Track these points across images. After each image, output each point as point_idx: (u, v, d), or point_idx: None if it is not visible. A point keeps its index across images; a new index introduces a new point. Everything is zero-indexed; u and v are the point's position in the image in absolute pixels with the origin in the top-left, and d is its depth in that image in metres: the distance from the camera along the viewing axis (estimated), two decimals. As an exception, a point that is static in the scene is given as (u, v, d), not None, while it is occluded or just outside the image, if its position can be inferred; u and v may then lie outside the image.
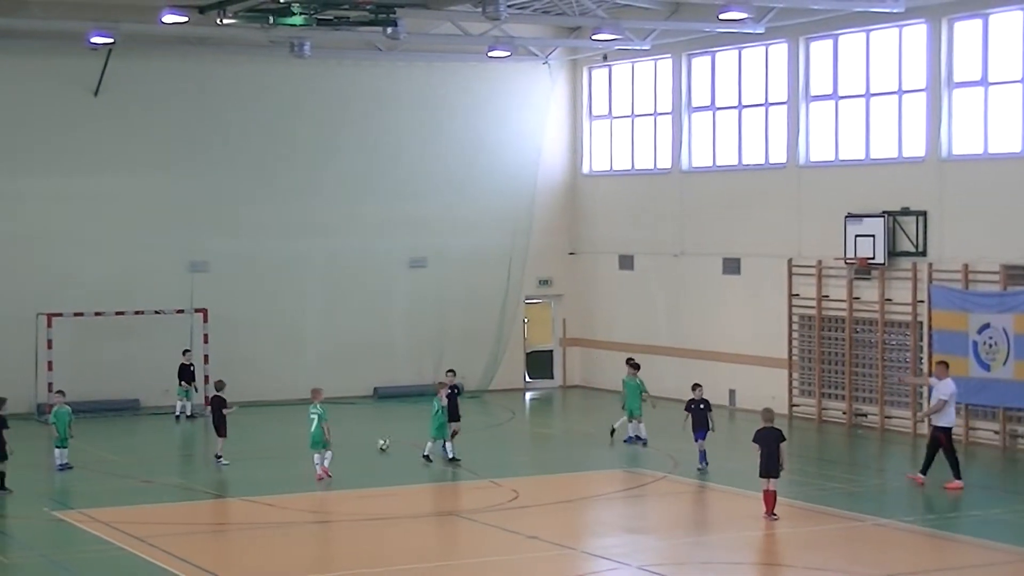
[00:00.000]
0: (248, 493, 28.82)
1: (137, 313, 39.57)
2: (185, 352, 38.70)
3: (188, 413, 38.58)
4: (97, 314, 39.21)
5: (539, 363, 45.38)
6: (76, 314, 38.94)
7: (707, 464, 30.41)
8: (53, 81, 39.89)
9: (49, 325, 38.34)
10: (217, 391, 31.88)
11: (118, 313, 39.41)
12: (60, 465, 31.16)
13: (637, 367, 34.16)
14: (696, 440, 30.67)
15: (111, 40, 36.75)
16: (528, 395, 44.06)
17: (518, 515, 26.62)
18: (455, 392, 32.38)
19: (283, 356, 41.09)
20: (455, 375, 33.46)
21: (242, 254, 41.61)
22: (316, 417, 29.83)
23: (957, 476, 28.80)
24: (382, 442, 33.05)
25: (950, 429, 29.22)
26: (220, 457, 31.55)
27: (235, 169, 41.66)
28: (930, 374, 30.79)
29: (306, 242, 42.31)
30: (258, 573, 23.17)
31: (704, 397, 31.10)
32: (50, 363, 38.19)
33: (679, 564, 23.37)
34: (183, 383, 38.70)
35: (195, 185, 41.30)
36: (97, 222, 40.38)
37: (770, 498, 25.99)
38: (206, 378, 39.37)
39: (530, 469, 31.47)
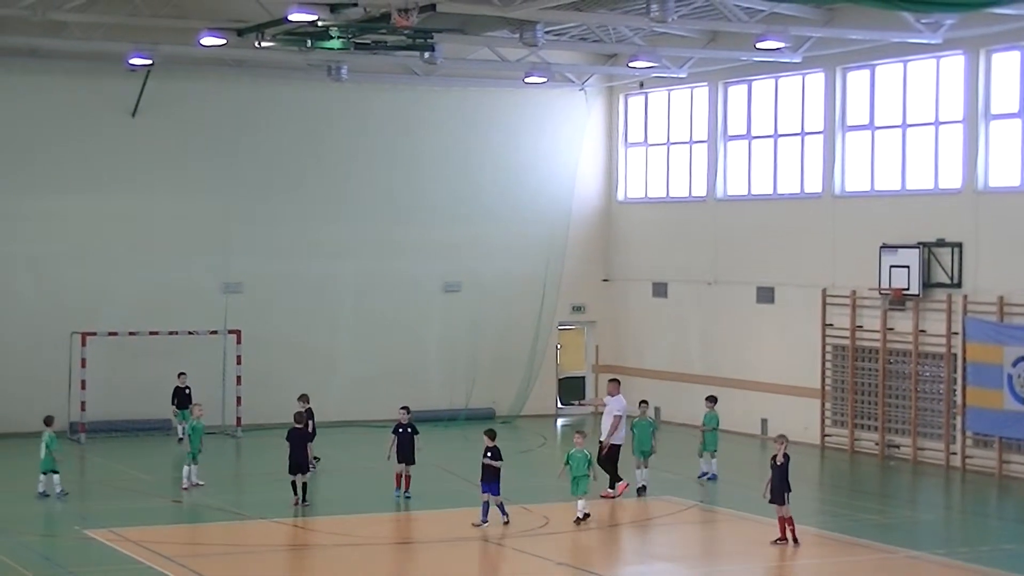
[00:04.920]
0: (277, 515, 28.82)
1: (171, 333, 39.68)
2: (180, 375, 38.00)
3: (180, 436, 37.43)
4: (131, 334, 39.33)
5: (571, 389, 45.30)
6: (110, 333, 39.06)
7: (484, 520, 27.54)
8: (91, 102, 40.09)
9: (83, 344, 38.46)
10: (297, 423, 30.85)
11: (152, 333, 39.52)
12: (55, 492, 30.24)
13: (714, 401, 33.51)
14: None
15: (150, 62, 37.00)
16: (560, 421, 44.00)
17: (548, 541, 26.56)
18: (410, 431, 30.73)
19: (316, 378, 41.01)
20: (408, 412, 31.11)
21: (276, 276, 41.71)
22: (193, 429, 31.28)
23: (611, 486, 30.05)
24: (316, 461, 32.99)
25: (619, 446, 30.21)
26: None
27: (271, 191, 41.80)
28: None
29: (340, 265, 42.40)
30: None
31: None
32: (84, 382, 38.34)
33: (709, 593, 23.31)
34: (176, 406, 37.60)
35: (231, 206, 41.43)
36: (132, 242, 40.54)
37: (783, 524, 25.92)
38: (238, 399, 39.50)
39: (561, 495, 31.27)
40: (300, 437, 29.98)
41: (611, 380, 31.99)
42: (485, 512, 27.40)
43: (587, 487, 27.86)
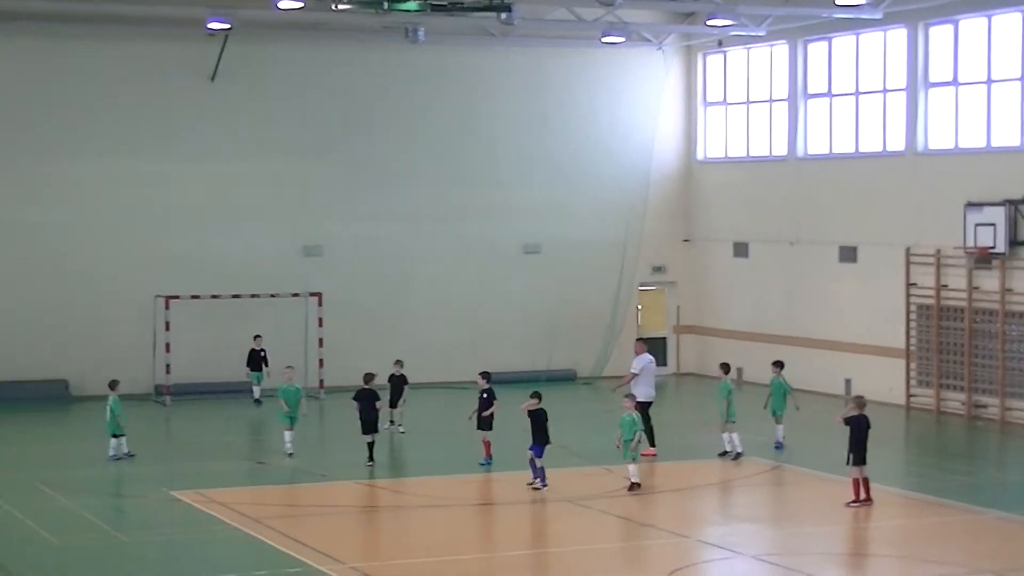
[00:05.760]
0: (360, 476, 28.94)
1: (253, 296, 39.88)
2: (256, 337, 38.45)
3: (257, 397, 38.08)
4: (214, 297, 39.56)
5: (652, 350, 44.95)
6: (193, 297, 39.30)
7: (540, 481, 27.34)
8: (170, 67, 40.27)
9: (167, 307, 38.72)
10: (366, 384, 30.62)
11: (234, 296, 39.74)
12: (122, 454, 30.29)
13: (781, 365, 32.03)
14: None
15: (228, 26, 37.07)
16: (641, 382, 43.81)
17: (632, 502, 26.50)
18: (485, 397, 30.10)
19: (396, 340, 41.08)
20: (485, 378, 30.53)
21: (356, 239, 41.83)
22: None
23: (651, 444, 30.15)
24: (394, 425, 33.01)
25: (645, 403, 29.90)
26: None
27: (349, 154, 41.86)
28: None
29: (420, 227, 42.43)
30: (373, 556, 23.27)
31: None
32: (168, 345, 38.62)
33: (794, 554, 23.12)
34: (251, 368, 38.21)
35: (310, 170, 41.56)
36: (214, 206, 40.76)
37: (859, 485, 25.71)
38: (320, 362, 39.67)
39: (643, 456, 31.27)
40: (369, 398, 30.15)
41: (637, 340, 32.58)
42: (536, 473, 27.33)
43: (635, 453, 27.31)
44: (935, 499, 26.74)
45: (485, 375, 30.64)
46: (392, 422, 33.37)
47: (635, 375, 30.76)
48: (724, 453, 30.50)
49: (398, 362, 33.91)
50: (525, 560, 23.04)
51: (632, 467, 27.21)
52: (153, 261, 39.95)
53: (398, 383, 33.50)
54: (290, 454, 30.61)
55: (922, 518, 25.74)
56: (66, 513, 25.61)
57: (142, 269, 39.81)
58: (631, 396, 28.47)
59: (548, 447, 27.51)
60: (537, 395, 27.98)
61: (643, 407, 29.80)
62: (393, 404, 33.23)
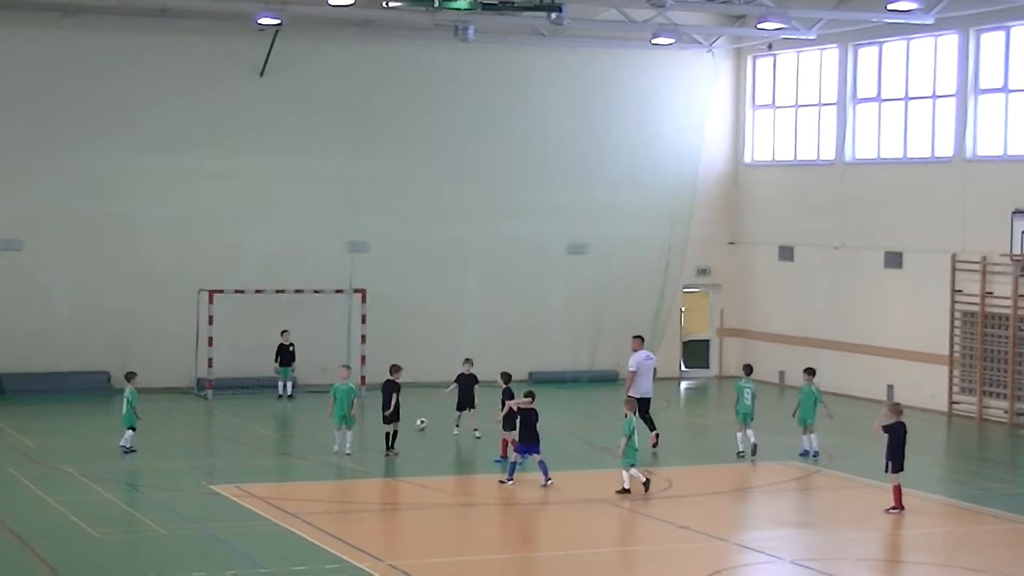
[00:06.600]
0: (402, 474, 29.01)
1: (297, 292, 40.01)
2: (283, 332, 38.96)
3: (288, 393, 38.70)
4: (257, 292, 39.71)
5: (695, 352, 45.14)
6: (237, 291, 39.45)
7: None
8: (220, 61, 40.45)
9: (211, 302, 38.89)
10: (391, 375, 30.96)
11: (278, 291, 39.88)
12: (125, 448, 30.29)
13: (813, 373, 31.60)
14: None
15: (278, 21, 37.21)
16: (683, 384, 43.83)
17: (671, 505, 26.47)
18: (501, 397, 30.00)
19: (440, 338, 41.27)
20: (504, 379, 30.44)
21: (402, 236, 41.91)
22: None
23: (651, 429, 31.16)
24: (420, 422, 32.94)
25: (642, 399, 30.54)
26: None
27: (397, 151, 41.94)
28: None
29: (465, 225, 42.49)
30: (412, 553, 23.26)
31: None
32: (211, 339, 38.77)
33: (833, 559, 23.05)
34: (279, 363, 38.90)
35: (357, 166, 41.68)
36: (259, 201, 40.91)
37: (899, 491, 25.64)
38: (363, 358, 39.75)
39: (684, 459, 31.28)
40: (388, 389, 30.47)
41: (634, 337, 32.66)
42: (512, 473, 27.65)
43: (632, 457, 27.01)
44: (976, 507, 26.60)
45: (504, 376, 30.61)
46: (458, 426, 32.80)
47: (634, 373, 31.08)
48: (740, 453, 30.71)
49: (467, 360, 33.09)
50: (563, 560, 23.02)
51: (625, 473, 27.03)
52: (197, 255, 40.13)
53: (468, 382, 32.66)
54: (336, 451, 30.58)
55: (963, 526, 25.63)
56: (106, 505, 25.77)
57: (186, 263, 39.99)
58: (630, 399, 28.54)
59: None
60: (531, 394, 28.05)
61: (641, 404, 29.94)
62: (464, 406, 32.55)
